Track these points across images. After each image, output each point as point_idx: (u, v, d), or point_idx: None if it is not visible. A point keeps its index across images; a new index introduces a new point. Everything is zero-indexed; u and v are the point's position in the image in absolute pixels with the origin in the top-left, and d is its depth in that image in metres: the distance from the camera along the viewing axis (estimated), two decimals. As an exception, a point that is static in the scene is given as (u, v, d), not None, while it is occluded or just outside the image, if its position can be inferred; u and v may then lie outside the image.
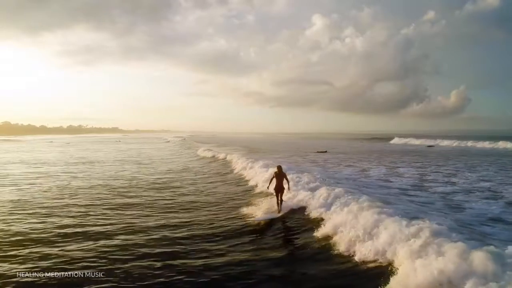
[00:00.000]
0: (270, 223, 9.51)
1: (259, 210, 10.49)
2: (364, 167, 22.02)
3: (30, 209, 11.14)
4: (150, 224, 9.47)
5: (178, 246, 7.60)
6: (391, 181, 15.79)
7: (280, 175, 10.29)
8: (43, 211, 10.97)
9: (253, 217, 10.00)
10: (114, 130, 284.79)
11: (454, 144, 56.76)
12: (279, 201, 10.28)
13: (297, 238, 8.28)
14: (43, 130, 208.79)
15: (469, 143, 55.16)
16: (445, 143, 59.57)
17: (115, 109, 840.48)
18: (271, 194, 11.21)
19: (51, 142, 76.26)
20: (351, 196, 9.42)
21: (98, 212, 10.84)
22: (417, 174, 18.49)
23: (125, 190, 15.09)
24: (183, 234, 8.55)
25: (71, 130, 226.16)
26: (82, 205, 11.85)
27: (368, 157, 30.71)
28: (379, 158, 28.95)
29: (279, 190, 10.24)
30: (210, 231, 8.76)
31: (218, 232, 8.66)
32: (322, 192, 10.58)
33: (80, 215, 10.45)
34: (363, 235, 6.77)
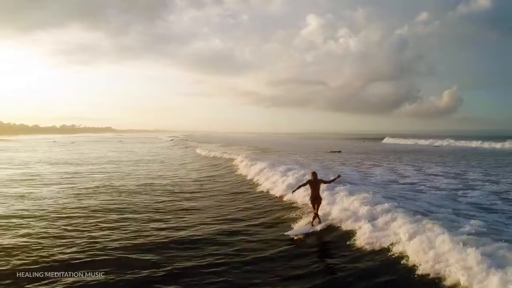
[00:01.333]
0: (305, 241, 8.14)
1: (293, 224, 9.27)
2: (394, 168, 21.88)
3: (114, 212, 10.97)
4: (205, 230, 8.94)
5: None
6: (442, 189, 13.58)
7: (315, 183, 8.80)
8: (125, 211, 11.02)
9: (283, 232, 8.64)
10: (107, 130, 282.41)
11: (457, 144, 57.84)
12: (316, 212, 8.82)
13: (340, 265, 6.64)
14: (36, 129, 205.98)
15: (473, 143, 56.02)
16: (446, 142, 60.69)
17: (110, 109, 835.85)
18: (300, 205, 10.81)
19: (54, 142, 75.36)
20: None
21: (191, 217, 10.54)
22: (454, 175, 17.53)
23: (183, 191, 15.37)
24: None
25: (64, 129, 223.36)
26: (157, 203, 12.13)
27: (385, 157, 30.98)
28: (399, 159, 29.18)
29: (315, 200, 8.79)
30: (252, 255, 7.20)
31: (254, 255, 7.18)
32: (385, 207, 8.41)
33: (173, 217, 10.37)
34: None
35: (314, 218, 8.82)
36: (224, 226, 9.36)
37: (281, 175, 14.94)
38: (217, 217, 10.44)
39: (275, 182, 14.33)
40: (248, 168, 19.50)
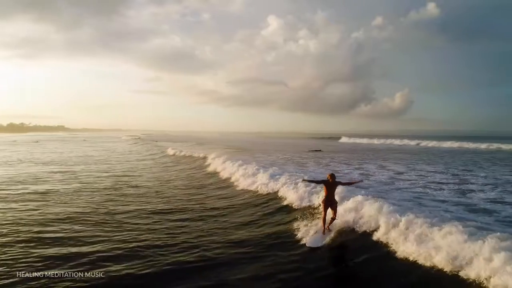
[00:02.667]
0: (317, 251, 7.63)
1: (302, 231, 8.66)
2: (384, 166, 23.25)
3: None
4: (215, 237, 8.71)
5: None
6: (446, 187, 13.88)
7: (332, 185, 8.35)
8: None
9: (298, 241, 8.19)
10: (60, 128, 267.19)
11: (412, 143, 63.54)
12: (326, 218, 8.23)
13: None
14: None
15: (433, 143, 61.99)
16: (413, 142, 66.46)
17: (60, 106, 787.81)
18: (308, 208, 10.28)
19: (15, 141, 71.40)
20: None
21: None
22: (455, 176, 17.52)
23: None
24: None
25: (13, 128, 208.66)
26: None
27: (367, 156, 33.18)
28: (381, 157, 31.54)
29: (329, 204, 8.25)
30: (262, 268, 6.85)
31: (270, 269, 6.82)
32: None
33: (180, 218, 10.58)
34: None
35: (329, 223, 8.32)
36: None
37: (290, 183, 13.08)
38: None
39: (287, 190, 12.63)
40: (249, 176, 16.96)
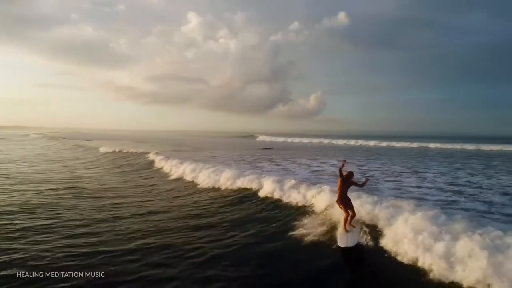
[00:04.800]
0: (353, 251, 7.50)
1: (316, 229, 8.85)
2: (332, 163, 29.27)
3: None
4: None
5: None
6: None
7: (347, 183, 8.27)
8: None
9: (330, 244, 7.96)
10: None
11: (325, 142, 71.78)
12: (352, 215, 8.18)
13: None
14: None
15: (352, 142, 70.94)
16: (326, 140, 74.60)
17: None
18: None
19: None
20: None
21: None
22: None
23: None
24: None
25: None
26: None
27: (319, 152, 38.45)
28: (326, 155, 36.89)
29: (344, 201, 8.18)
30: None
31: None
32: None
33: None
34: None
35: (350, 221, 8.19)
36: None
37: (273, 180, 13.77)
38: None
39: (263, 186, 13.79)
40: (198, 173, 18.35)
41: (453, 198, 12.82)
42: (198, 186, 16.60)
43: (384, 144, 61.87)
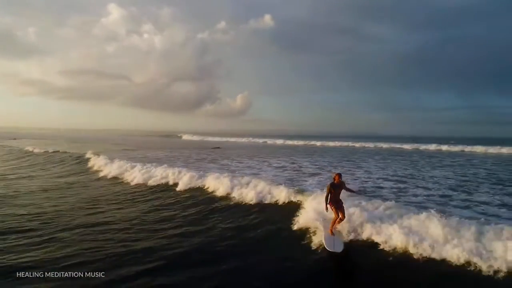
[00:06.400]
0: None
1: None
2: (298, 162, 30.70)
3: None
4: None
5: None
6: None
7: (339, 186, 8.17)
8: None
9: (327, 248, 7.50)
10: None
11: (245, 141, 74.70)
12: (342, 218, 8.01)
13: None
14: None
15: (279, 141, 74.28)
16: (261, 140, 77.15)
17: None
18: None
19: None
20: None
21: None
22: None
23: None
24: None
25: None
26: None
27: (267, 151, 39.80)
28: (273, 153, 38.56)
29: (336, 204, 8.05)
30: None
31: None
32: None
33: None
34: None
35: (337, 224, 8.10)
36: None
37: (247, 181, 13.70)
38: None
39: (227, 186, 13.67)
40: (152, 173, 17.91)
41: (401, 185, 15.38)
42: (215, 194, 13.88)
43: (318, 143, 67.99)
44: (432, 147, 52.08)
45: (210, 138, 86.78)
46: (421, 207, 10.27)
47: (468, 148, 48.88)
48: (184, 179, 15.72)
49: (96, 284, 6.35)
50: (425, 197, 12.78)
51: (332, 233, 8.00)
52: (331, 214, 8.23)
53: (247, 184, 13.48)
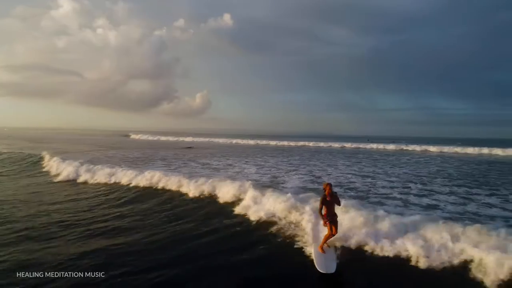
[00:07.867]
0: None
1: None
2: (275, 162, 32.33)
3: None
4: None
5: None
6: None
7: (331, 198, 7.26)
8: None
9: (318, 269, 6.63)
10: None
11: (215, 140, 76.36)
12: (334, 233, 7.28)
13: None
14: None
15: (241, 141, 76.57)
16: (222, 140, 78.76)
17: None
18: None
19: None
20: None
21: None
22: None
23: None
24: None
25: None
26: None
27: (241, 153, 41.16)
28: (254, 154, 40.08)
29: (332, 218, 7.26)
30: None
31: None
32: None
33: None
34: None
35: (325, 240, 7.30)
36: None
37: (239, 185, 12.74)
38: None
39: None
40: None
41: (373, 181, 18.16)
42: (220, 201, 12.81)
43: (263, 142, 72.92)
44: (390, 147, 56.80)
45: (163, 138, 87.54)
46: (389, 198, 13.25)
47: (418, 148, 54.59)
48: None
49: (96, 284, 6.39)
50: (390, 189, 15.62)
51: (323, 251, 7.20)
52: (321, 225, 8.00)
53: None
